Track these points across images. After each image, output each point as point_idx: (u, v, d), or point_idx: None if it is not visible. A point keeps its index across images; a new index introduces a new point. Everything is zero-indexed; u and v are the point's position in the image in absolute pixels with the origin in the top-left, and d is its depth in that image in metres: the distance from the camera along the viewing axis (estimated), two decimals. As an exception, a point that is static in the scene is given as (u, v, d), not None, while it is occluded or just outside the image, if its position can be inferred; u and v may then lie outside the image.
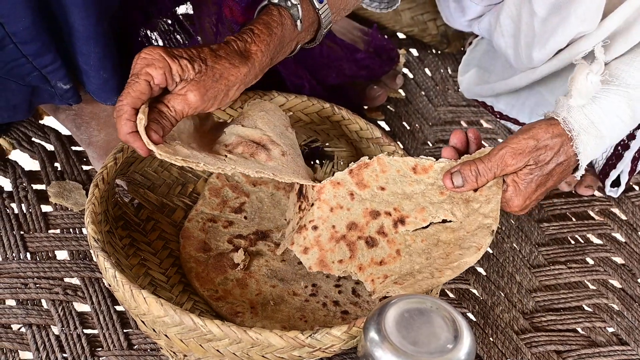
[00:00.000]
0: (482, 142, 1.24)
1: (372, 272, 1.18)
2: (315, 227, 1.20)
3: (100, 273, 1.26)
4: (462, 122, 1.65)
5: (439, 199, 1.18)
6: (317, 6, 1.21)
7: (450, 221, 1.18)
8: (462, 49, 1.74)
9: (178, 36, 1.51)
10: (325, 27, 1.24)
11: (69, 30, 1.19)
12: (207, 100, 1.12)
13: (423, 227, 1.18)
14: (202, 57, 1.12)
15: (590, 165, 1.50)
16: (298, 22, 1.19)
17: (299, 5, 1.18)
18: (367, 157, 1.21)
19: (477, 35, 1.62)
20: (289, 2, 1.18)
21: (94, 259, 1.10)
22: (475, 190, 1.17)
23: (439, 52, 1.77)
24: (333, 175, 1.31)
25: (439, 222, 1.18)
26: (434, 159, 1.19)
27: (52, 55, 1.21)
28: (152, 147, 1.09)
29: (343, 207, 1.20)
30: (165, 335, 1.06)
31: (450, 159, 1.19)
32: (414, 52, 1.77)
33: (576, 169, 1.22)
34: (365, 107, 1.64)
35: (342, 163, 1.42)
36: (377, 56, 1.59)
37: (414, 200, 1.19)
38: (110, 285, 1.08)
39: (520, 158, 1.16)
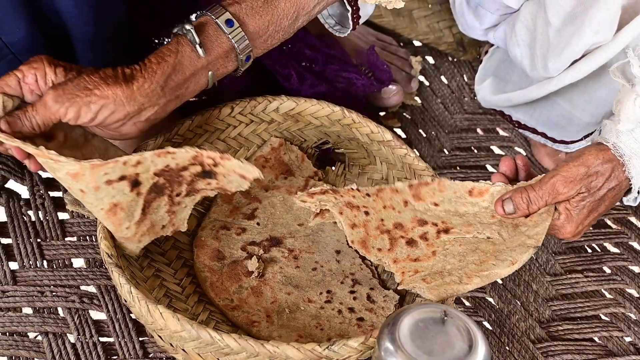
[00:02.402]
0: (530, 169, 1.24)
1: (405, 266, 1.19)
2: (367, 213, 1.23)
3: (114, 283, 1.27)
4: (479, 130, 1.64)
5: (489, 221, 1.20)
6: (226, 30, 1.14)
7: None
8: (478, 56, 1.74)
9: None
10: (243, 53, 1.16)
11: (69, 39, 1.20)
12: (63, 106, 1.07)
13: (465, 236, 1.20)
14: (79, 69, 1.09)
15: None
16: (198, 48, 1.12)
17: (192, 31, 1.12)
18: (430, 178, 1.25)
19: (492, 44, 1.62)
20: (183, 29, 1.13)
21: (110, 274, 1.11)
22: (527, 216, 1.18)
23: (455, 59, 1.77)
24: (344, 176, 1.38)
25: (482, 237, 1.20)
26: (491, 183, 1.21)
27: None
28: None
29: (395, 209, 1.23)
30: (183, 350, 1.06)
31: (505, 184, 1.20)
32: (430, 59, 1.77)
33: (628, 191, 1.21)
34: (382, 114, 1.64)
35: (353, 165, 1.42)
36: (366, 73, 1.57)
37: (464, 218, 1.21)
38: (126, 301, 1.09)
39: (572, 186, 1.15)
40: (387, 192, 1.24)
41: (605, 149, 1.17)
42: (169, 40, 1.35)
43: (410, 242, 1.21)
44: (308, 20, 1.22)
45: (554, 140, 1.51)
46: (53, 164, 1.06)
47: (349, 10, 1.27)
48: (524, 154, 1.60)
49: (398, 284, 1.19)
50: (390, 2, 1.21)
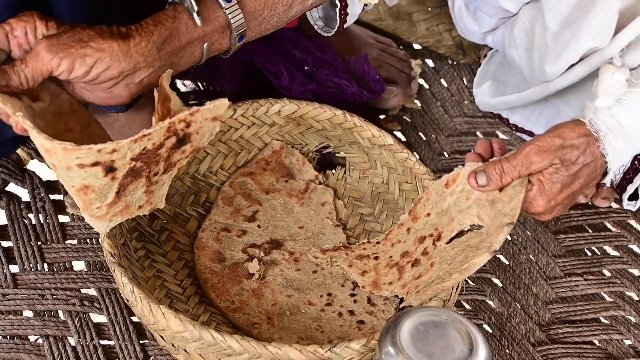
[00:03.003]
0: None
1: (410, 287, 1.20)
2: (376, 257, 1.27)
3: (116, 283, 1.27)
4: (478, 133, 1.65)
5: (466, 205, 1.19)
6: (223, 5, 1.11)
7: (480, 226, 1.18)
8: (477, 59, 1.74)
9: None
10: (237, 32, 1.14)
11: None
12: (56, 57, 1.01)
13: (457, 236, 1.20)
14: (72, 25, 1.05)
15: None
16: (195, 16, 1.09)
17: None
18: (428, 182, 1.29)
19: (492, 48, 1.62)
20: None
21: (112, 273, 1.11)
22: (500, 190, 1.16)
23: (455, 62, 1.77)
24: (345, 180, 1.39)
25: (470, 229, 1.19)
26: (460, 167, 1.20)
27: None
28: None
29: (401, 242, 1.25)
30: (185, 350, 1.06)
31: (476, 163, 1.20)
32: (430, 62, 1.77)
33: (606, 174, 1.20)
34: (382, 117, 1.64)
35: (353, 169, 1.42)
36: (357, 83, 1.56)
37: (448, 214, 1.21)
38: (128, 300, 1.09)
39: (546, 156, 1.14)
40: (395, 231, 1.27)
41: (582, 124, 1.17)
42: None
43: (415, 263, 1.22)
44: (301, 11, 1.20)
45: None
46: (29, 131, 1.01)
47: (337, 6, 1.27)
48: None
49: (385, 302, 1.19)
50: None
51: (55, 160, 1.01)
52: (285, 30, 1.49)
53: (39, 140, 1.00)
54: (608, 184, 1.24)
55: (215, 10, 1.11)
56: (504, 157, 1.17)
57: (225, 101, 1.04)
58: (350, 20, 1.38)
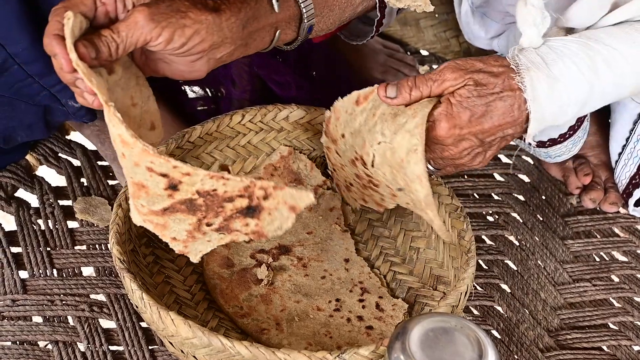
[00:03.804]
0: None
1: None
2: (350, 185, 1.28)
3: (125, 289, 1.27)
4: (486, 138, 1.64)
5: (372, 122, 1.13)
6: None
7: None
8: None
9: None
10: (308, 21, 1.14)
11: None
12: (158, 26, 0.99)
13: (374, 159, 1.15)
14: None
15: (614, 183, 1.49)
16: (274, 2, 1.10)
17: None
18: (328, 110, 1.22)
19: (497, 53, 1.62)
20: None
21: (122, 280, 1.11)
22: (407, 106, 1.09)
23: (462, 68, 1.77)
24: None
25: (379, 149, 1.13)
26: (377, 85, 1.13)
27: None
28: (73, 55, 0.96)
29: (343, 166, 1.25)
30: (194, 357, 1.06)
31: None
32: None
33: (527, 128, 1.08)
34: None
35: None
36: None
37: (360, 135, 1.16)
38: (137, 307, 1.09)
39: (461, 74, 1.05)
40: (329, 156, 1.28)
41: (506, 58, 1.08)
42: None
43: (372, 184, 1.21)
44: (351, 17, 1.22)
45: (539, 145, 1.49)
46: (111, 118, 0.97)
47: (377, 16, 1.28)
48: (532, 162, 1.60)
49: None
50: (419, 5, 1.20)
51: (128, 153, 0.99)
52: None
53: (122, 131, 0.97)
54: (531, 141, 1.10)
55: (289, 1, 1.12)
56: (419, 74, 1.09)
57: (310, 196, 0.98)
58: (383, 28, 1.38)
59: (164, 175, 0.99)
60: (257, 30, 1.10)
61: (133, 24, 0.98)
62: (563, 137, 1.43)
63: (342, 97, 1.19)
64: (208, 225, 1.03)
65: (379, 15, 1.28)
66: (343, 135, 1.19)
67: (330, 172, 1.34)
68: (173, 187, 0.99)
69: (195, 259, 1.07)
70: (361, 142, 1.15)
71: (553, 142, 1.44)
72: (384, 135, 1.10)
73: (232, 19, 1.05)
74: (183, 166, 0.97)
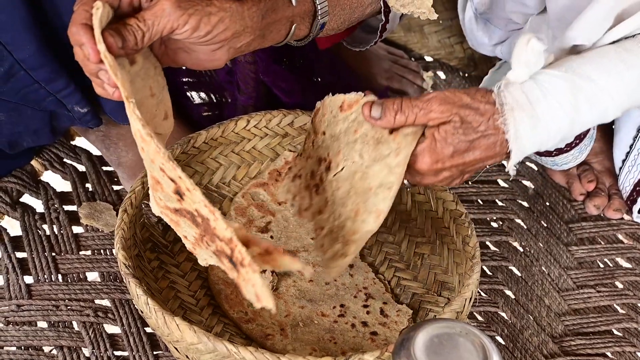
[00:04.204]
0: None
1: (316, 222, 1.16)
2: (299, 177, 1.24)
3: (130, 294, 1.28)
4: (490, 145, 1.65)
5: (353, 138, 1.12)
6: None
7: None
8: (489, 72, 1.74)
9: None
10: (321, 18, 1.14)
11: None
12: (185, 13, 0.98)
13: (340, 171, 1.14)
14: None
15: (618, 189, 1.49)
16: None
17: None
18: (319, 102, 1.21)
19: (501, 59, 1.63)
20: None
21: (127, 285, 1.11)
22: (391, 132, 1.07)
23: (466, 75, 1.77)
24: None
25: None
26: (363, 94, 1.12)
27: (65, 80, 1.21)
28: (102, 46, 0.94)
29: (311, 157, 1.21)
30: (199, 362, 1.07)
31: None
32: (441, 75, 1.78)
33: (509, 157, 1.08)
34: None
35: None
36: None
37: (338, 142, 1.15)
38: (142, 312, 1.09)
39: (448, 108, 1.04)
40: (306, 142, 1.23)
41: (492, 93, 1.07)
42: None
43: (317, 189, 1.18)
44: (359, 19, 1.22)
45: (539, 154, 1.49)
46: (130, 114, 0.96)
47: (382, 21, 1.28)
48: (536, 169, 1.60)
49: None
50: (423, 12, 1.20)
51: (145, 148, 0.98)
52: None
53: (139, 127, 0.96)
54: (511, 172, 1.10)
55: None
56: (405, 97, 1.08)
57: (269, 304, 0.87)
58: (386, 34, 1.38)
59: (172, 181, 0.98)
60: (275, 22, 1.10)
61: (160, 12, 0.97)
62: (569, 146, 1.44)
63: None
64: (207, 244, 1.00)
65: (383, 19, 1.28)
66: (324, 133, 1.18)
67: (297, 154, 1.29)
68: (180, 194, 0.99)
69: (202, 262, 1.05)
70: (336, 149, 1.15)
71: (560, 151, 1.45)
72: (362, 158, 1.09)
73: (254, 8, 1.05)
74: (185, 180, 0.96)
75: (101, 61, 0.95)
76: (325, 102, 1.18)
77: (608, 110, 1.11)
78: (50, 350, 1.23)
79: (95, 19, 0.93)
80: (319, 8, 1.14)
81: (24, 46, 1.15)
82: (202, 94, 1.56)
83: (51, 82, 1.21)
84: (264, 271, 1.27)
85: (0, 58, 1.15)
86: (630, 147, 1.43)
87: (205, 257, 1.03)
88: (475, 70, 1.76)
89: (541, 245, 1.47)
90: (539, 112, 1.06)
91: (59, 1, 1.15)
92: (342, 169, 1.13)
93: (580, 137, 1.40)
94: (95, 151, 1.50)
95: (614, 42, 1.13)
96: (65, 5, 1.13)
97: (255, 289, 0.89)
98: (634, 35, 1.14)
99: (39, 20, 1.15)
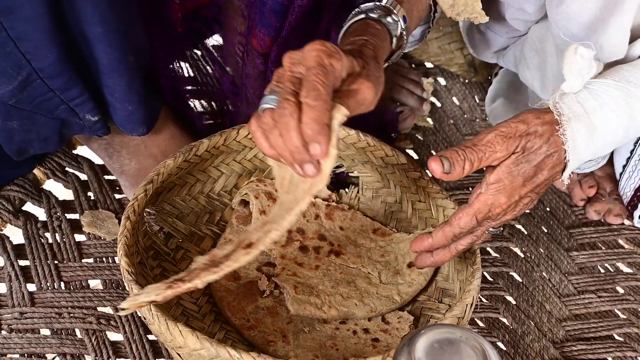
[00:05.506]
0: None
1: (287, 264, 1.28)
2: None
3: (133, 302, 1.28)
4: (490, 151, 1.65)
5: (377, 259, 1.30)
6: (403, 26, 1.14)
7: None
8: (489, 77, 1.75)
9: (208, 67, 1.54)
10: (406, 44, 1.19)
11: (95, 64, 1.21)
12: (377, 97, 1.01)
13: (349, 264, 1.30)
14: (354, 54, 1.01)
15: (619, 195, 1.49)
16: (394, 40, 1.12)
17: (400, 22, 1.11)
18: (347, 206, 1.37)
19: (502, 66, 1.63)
20: (389, 18, 1.11)
21: (129, 291, 1.12)
22: (409, 266, 1.27)
23: (467, 80, 1.78)
24: (358, 199, 1.41)
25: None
26: (396, 231, 1.34)
27: (79, 88, 1.23)
28: (334, 151, 0.95)
29: (305, 217, 1.34)
30: (202, 369, 1.07)
31: (406, 234, 1.32)
32: (442, 81, 1.78)
33: (565, 169, 1.11)
34: (393, 135, 1.65)
35: (366, 188, 1.43)
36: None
37: (358, 249, 1.31)
38: (145, 318, 1.10)
39: (511, 142, 1.07)
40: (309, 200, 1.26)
41: (548, 111, 1.09)
42: (186, 64, 1.37)
43: (303, 249, 1.30)
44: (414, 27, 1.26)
45: None
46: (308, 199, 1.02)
47: (429, 28, 1.33)
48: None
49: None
50: (475, 17, 1.22)
51: (284, 223, 1.04)
52: None
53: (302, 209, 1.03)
54: (566, 181, 1.13)
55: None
56: (461, 144, 1.09)
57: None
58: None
59: (250, 244, 1.03)
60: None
61: (362, 98, 0.99)
62: None
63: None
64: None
65: (431, 25, 1.33)
66: (342, 228, 1.34)
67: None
68: (248, 245, 1.03)
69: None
70: (354, 253, 1.32)
71: None
72: (378, 277, 1.29)
73: (380, 62, 1.08)
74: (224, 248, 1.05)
75: (311, 159, 0.96)
76: (357, 216, 1.37)
77: None
78: (53, 358, 1.24)
79: (336, 123, 0.95)
80: (404, 37, 1.16)
81: (45, 55, 1.16)
82: (204, 102, 1.56)
83: (66, 91, 1.21)
84: (268, 278, 1.27)
85: (19, 67, 1.16)
86: (631, 152, 1.43)
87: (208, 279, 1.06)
88: (475, 76, 1.77)
89: (542, 250, 1.47)
90: (595, 121, 1.09)
91: (82, 10, 1.15)
92: (355, 267, 1.30)
93: None
94: (97, 160, 1.50)
95: None
96: (88, 15, 1.14)
97: None
98: None
99: (61, 30, 1.16)
